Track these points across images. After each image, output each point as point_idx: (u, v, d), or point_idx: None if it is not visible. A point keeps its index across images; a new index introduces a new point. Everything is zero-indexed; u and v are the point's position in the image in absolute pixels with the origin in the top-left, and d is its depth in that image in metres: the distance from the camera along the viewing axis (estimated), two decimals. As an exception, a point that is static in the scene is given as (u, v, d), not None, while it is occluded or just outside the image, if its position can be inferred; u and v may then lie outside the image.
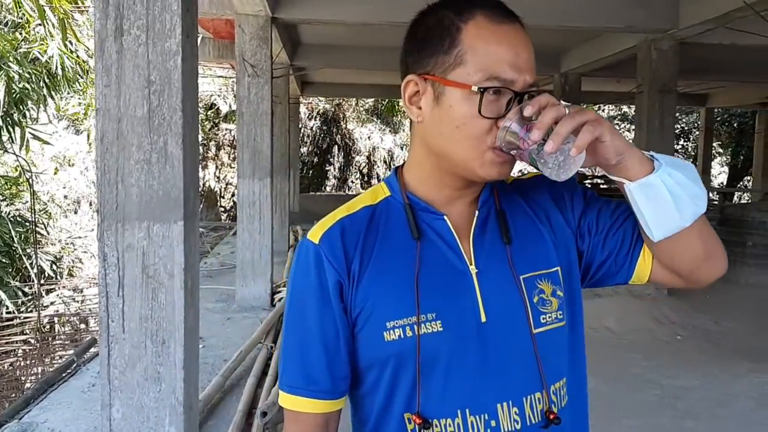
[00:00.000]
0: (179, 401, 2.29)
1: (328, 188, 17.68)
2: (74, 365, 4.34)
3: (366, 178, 18.17)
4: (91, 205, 11.65)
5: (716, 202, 14.05)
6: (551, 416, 0.94)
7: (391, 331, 0.93)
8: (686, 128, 20.77)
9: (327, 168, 17.75)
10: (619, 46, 7.74)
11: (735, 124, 19.35)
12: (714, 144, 16.82)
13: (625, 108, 20.11)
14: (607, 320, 5.76)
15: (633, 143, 0.92)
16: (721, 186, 19.26)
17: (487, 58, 0.91)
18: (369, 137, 18.20)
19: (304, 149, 17.01)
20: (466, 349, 0.94)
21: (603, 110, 21.88)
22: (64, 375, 4.15)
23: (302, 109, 16.60)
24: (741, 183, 18.73)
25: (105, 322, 2.27)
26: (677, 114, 20.28)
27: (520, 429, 0.94)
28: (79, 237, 10.82)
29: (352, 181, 18.17)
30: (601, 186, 14.80)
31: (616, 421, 3.70)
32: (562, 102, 0.87)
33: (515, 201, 1.04)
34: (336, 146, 17.72)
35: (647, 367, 4.72)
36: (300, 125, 15.67)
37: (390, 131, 18.81)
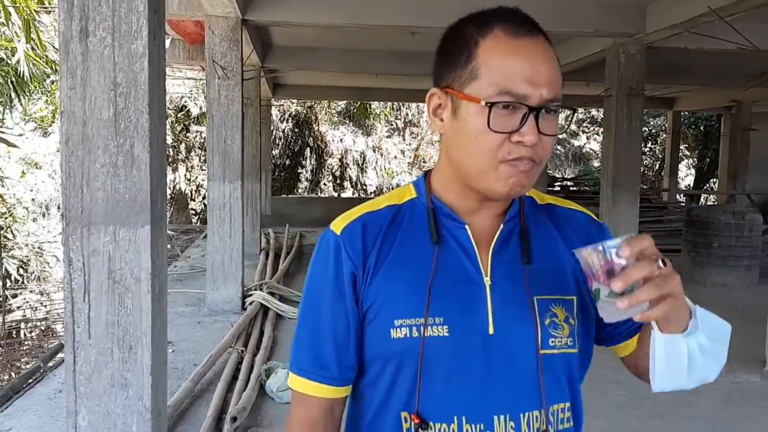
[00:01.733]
0: (147, 407, 2.26)
1: (300, 190, 17.61)
2: (41, 371, 4.26)
3: (338, 181, 18.15)
4: (59, 208, 11.43)
5: (683, 204, 14.32)
6: None
7: (398, 329, 0.95)
8: (654, 131, 21.15)
9: (299, 170, 17.67)
10: (588, 49, 7.85)
11: (701, 127, 19.75)
12: (681, 147, 17.15)
13: (593, 111, 20.41)
14: (576, 321, 5.82)
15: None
16: (688, 188, 19.64)
17: (501, 72, 0.91)
18: (341, 140, 18.19)
19: (275, 152, 16.92)
20: (469, 357, 0.95)
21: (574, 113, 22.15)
22: (30, 381, 4.07)
23: (274, 111, 16.52)
24: (707, 185, 19.12)
25: (70, 328, 2.24)
26: (645, 117, 20.66)
27: None
28: (48, 241, 10.62)
29: (324, 184, 18.12)
30: (571, 188, 15.00)
31: (585, 422, 3.74)
32: (658, 257, 0.84)
33: (543, 223, 1.05)
34: (308, 148, 17.66)
35: (614, 368, 4.72)
36: (272, 128, 15.59)
37: (362, 133, 18.83)
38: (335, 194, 17.73)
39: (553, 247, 1.03)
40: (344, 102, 17.86)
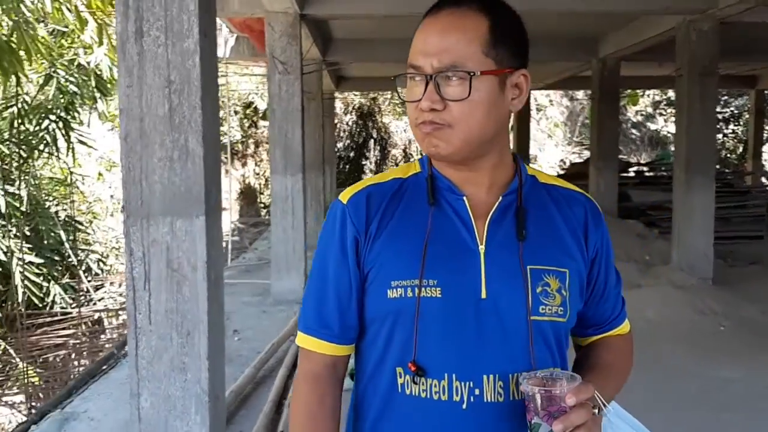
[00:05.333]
0: (204, 391, 2.36)
1: (365, 182, 17.72)
2: (114, 357, 4.49)
3: (403, 172, 18.16)
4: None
5: None
6: None
7: (394, 290, 1.02)
8: (736, 112, 20.10)
9: (363, 162, 17.80)
10: (658, 28, 7.54)
11: (787, 106, 18.62)
12: (766, 127, 16.21)
13: (671, 92, 19.59)
14: (646, 311, 5.64)
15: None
16: (773, 171, 18.57)
17: (411, 49, 1.04)
18: (405, 130, 18.18)
19: (340, 144, 17.12)
20: (461, 319, 1.01)
21: (647, 95, 21.39)
22: (104, 367, 4.30)
23: (338, 104, 16.68)
24: (794, 167, 18.03)
25: (132, 314, 2.35)
26: (726, 98, 19.66)
27: (502, 402, 1.00)
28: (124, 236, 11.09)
29: (389, 175, 18.16)
30: (645, 174, 14.48)
31: (651, 413, 3.63)
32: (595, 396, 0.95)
33: (542, 200, 1.10)
34: (372, 140, 17.76)
35: (687, 359, 4.61)
36: (336, 120, 15.77)
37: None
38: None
39: (550, 223, 1.08)
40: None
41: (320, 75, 8.97)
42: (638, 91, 19.88)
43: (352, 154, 17.67)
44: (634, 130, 22.01)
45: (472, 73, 0.99)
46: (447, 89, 0.99)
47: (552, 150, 20.91)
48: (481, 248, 1.03)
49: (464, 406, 0.99)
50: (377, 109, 18.00)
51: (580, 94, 19.09)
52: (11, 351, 6.62)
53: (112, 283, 9.56)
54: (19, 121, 7.71)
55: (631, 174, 14.33)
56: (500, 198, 1.06)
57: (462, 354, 1.00)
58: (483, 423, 1.00)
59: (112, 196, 11.50)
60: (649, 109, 22.22)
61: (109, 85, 8.26)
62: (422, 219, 1.05)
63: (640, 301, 5.74)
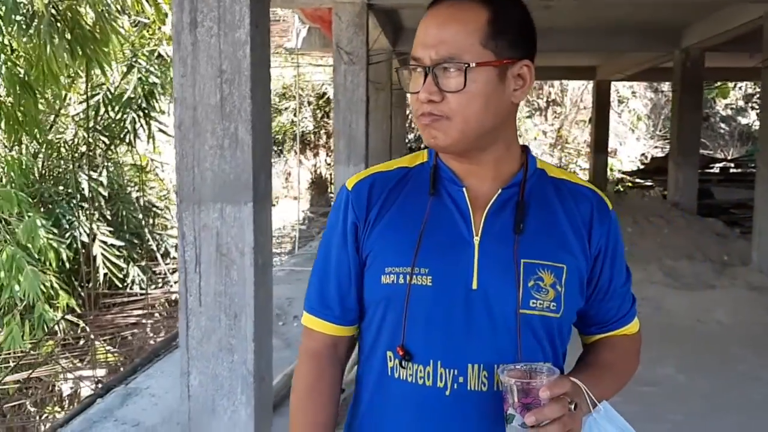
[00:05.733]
0: (250, 371, 2.43)
1: (435, 174, 17.59)
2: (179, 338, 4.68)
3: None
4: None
5: None
6: None
7: (388, 276, 1.05)
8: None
9: (434, 153, 17.66)
10: (743, 18, 7.15)
11: None
12: None
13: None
14: (717, 312, 5.38)
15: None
16: None
17: (414, 40, 1.04)
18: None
19: (411, 135, 17.08)
20: (450, 308, 1.03)
21: (739, 88, 20.25)
22: (169, 346, 4.50)
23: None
24: None
25: (184, 296, 2.45)
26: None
27: (486, 391, 1.02)
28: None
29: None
30: (731, 170, 13.75)
31: (712, 418, 3.48)
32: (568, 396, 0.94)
33: (547, 195, 1.10)
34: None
35: (757, 364, 4.37)
36: (408, 111, 15.76)
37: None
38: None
39: (551, 218, 1.07)
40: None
41: (390, 65, 8.98)
42: (729, 83, 18.86)
43: (423, 145, 17.56)
44: (723, 125, 20.88)
45: (467, 65, 0.99)
46: (444, 81, 1.00)
47: (633, 144, 20.14)
48: (476, 239, 1.04)
49: (447, 393, 1.02)
50: (449, 100, 17.82)
51: (665, 86, 18.28)
52: (87, 329, 7.02)
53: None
54: (104, 109, 8.12)
55: (716, 170, 13.67)
56: (499, 190, 1.07)
57: (448, 342, 1.02)
58: (465, 410, 1.01)
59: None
60: (741, 103, 21.03)
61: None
62: (421, 208, 1.07)
63: (711, 303, 5.50)
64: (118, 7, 7.08)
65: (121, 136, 8.44)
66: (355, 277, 1.10)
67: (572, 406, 0.94)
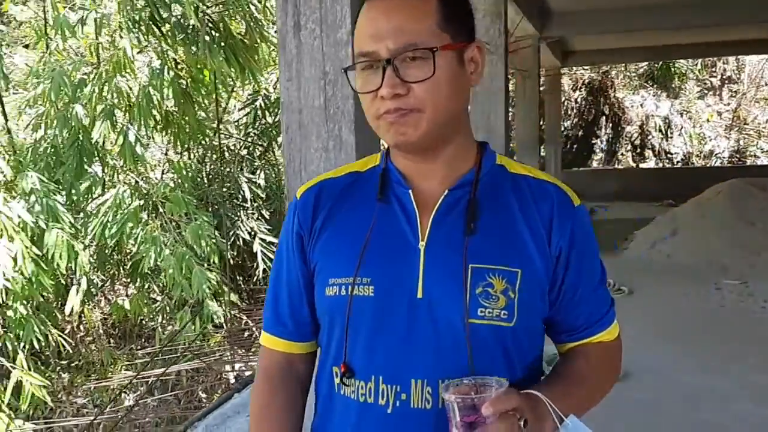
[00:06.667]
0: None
1: (594, 163, 16.67)
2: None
3: (638, 150, 16.66)
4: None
5: None
6: None
7: (331, 287, 1.00)
8: None
9: (593, 141, 16.74)
10: None
11: None
12: None
13: None
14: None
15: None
16: None
17: (356, 37, 0.98)
18: (641, 105, 16.67)
19: (567, 123, 16.28)
20: (392, 319, 0.96)
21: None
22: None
23: (566, 80, 15.87)
24: None
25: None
26: None
27: (430, 409, 0.94)
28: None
29: (622, 154, 16.84)
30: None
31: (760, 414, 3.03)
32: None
33: (503, 193, 1.01)
34: (603, 117, 16.59)
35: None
36: (563, 98, 15.06)
37: (667, 96, 17.00)
38: (634, 165, 16.38)
39: (505, 219, 0.99)
40: (645, 63, 16.33)
41: (537, 51, 8.59)
42: None
43: (580, 133, 16.72)
44: None
45: (435, 49, 0.92)
46: (408, 71, 0.93)
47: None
48: (422, 245, 0.97)
49: (389, 411, 0.95)
50: (609, 84, 16.77)
51: None
52: (249, 322, 7.48)
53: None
54: (261, 115, 8.61)
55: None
56: (446, 192, 1.00)
57: (390, 356, 0.96)
58: (408, 429, 0.94)
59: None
60: None
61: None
62: (369, 214, 1.01)
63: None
64: (264, 15, 7.42)
65: (277, 139, 8.89)
66: (305, 291, 1.05)
67: (521, 423, 0.86)
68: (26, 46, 7.22)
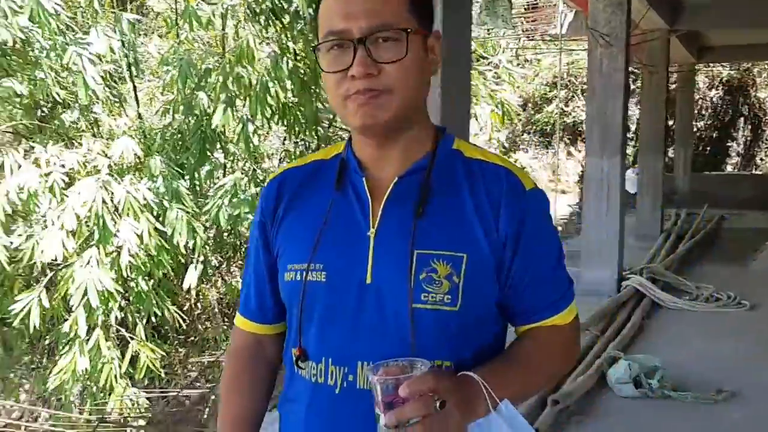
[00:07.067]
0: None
1: (729, 167, 15.38)
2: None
3: (780, 155, 15.23)
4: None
5: None
6: None
7: (289, 273, 1.04)
8: None
9: (728, 144, 15.47)
10: None
11: None
12: None
13: None
14: None
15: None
16: None
17: (324, 16, 0.98)
18: (789, 106, 15.20)
19: (700, 123, 15.15)
20: (342, 303, 1.00)
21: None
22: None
23: (701, 78, 14.78)
24: None
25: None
26: None
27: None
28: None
29: (761, 159, 15.46)
30: None
31: None
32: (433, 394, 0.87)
33: (456, 177, 1.03)
34: (741, 118, 15.28)
35: None
36: (697, 96, 14.04)
37: (820, 97, 15.38)
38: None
39: (455, 204, 1.01)
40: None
41: (666, 45, 8.07)
42: None
43: (715, 134, 15.52)
44: None
45: (409, 30, 0.94)
46: (380, 52, 0.95)
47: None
48: (372, 232, 1.00)
49: (337, 391, 0.99)
50: (751, 82, 15.43)
51: None
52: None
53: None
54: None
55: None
56: (396, 178, 1.02)
57: (339, 339, 1.00)
58: (354, 408, 0.97)
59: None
60: None
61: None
62: (326, 202, 1.05)
63: None
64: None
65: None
66: (268, 277, 1.11)
67: (437, 404, 0.86)
68: (160, 36, 7.72)
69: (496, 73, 8.58)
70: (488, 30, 9.17)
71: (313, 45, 1.05)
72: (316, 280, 1.01)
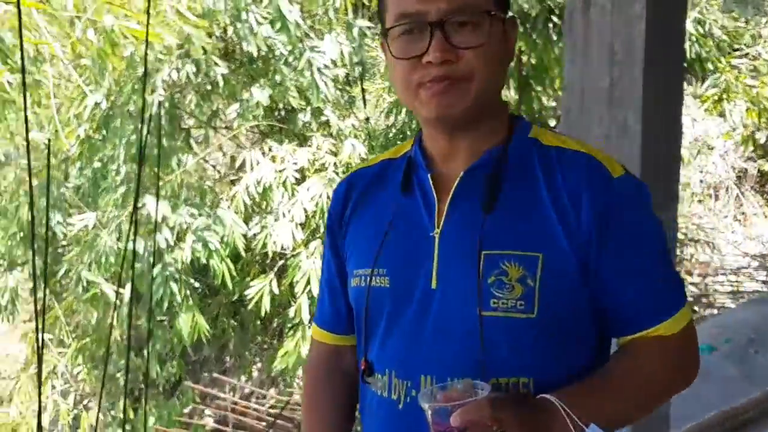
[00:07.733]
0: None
1: None
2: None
3: None
4: (727, 190, 11.17)
5: None
6: None
7: (355, 279, 1.00)
8: None
9: None
10: None
11: None
12: None
13: None
14: None
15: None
16: None
17: None
18: None
19: None
20: (405, 311, 0.93)
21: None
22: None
23: None
24: None
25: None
26: None
27: None
28: (712, 227, 10.50)
29: None
30: None
31: None
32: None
33: (530, 168, 0.92)
34: None
35: None
36: None
37: None
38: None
39: (530, 198, 0.91)
40: None
41: None
42: None
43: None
44: None
45: (492, 12, 0.88)
46: (459, 36, 0.87)
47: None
48: (436, 232, 0.93)
49: (400, 406, 0.93)
50: None
51: None
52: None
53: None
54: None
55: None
56: (461, 173, 0.93)
57: (402, 350, 0.93)
58: (417, 426, 0.86)
59: (701, 181, 11.04)
60: None
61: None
62: (392, 203, 0.99)
63: None
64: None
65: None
66: (340, 284, 1.06)
67: None
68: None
69: (753, 65, 7.71)
70: (746, 19, 8.13)
71: (381, 31, 0.95)
72: (380, 286, 0.95)
